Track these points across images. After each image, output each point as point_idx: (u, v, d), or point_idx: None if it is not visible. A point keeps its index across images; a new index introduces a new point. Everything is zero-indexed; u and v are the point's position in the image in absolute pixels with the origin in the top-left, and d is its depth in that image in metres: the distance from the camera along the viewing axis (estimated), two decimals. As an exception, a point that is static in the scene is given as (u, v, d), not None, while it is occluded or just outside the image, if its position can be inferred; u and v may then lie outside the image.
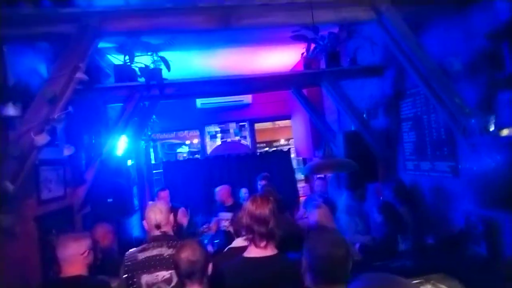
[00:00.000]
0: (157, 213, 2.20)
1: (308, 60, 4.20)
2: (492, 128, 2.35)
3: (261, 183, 4.72)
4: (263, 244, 1.65)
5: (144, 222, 2.28)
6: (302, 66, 5.40)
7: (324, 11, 2.35)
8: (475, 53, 2.43)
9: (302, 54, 3.78)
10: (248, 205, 1.74)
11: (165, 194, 4.33)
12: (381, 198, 3.43)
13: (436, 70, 2.42)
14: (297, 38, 3.40)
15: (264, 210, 1.69)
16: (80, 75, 2.27)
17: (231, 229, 2.52)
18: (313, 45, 3.63)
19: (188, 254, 1.56)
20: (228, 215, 4.34)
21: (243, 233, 1.75)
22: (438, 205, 3.04)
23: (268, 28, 2.53)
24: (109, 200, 3.25)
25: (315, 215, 2.67)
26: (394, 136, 3.66)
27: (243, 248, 1.85)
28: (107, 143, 3.56)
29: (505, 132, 2.27)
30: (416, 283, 2.09)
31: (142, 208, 5.63)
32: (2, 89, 2.21)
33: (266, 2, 2.27)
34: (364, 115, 3.94)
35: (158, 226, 2.18)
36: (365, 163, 3.79)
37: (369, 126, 3.79)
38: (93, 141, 3.66)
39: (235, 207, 4.40)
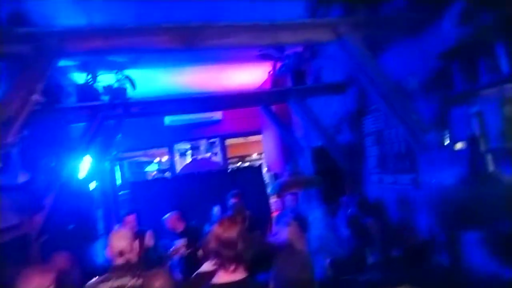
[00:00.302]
0: (120, 240, 2.10)
1: (275, 78, 4.30)
2: (447, 142, 2.50)
3: (231, 201, 4.66)
4: (232, 268, 1.61)
5: (107, 250, 2.17)
6: (270, 84, 5.52)
7: (287, 32, 2.42)
8: (429, 73, 2.59)
9: (269, 72, 3.87)
10: (216, 228, 1.70)
11: (131, 218, 4.15)
12: (349, 212, 3.50)
13: (394, 89, 2.55)
14: (264, 57, 3.49)
15: (232, 232, 1.66)
16: (36, 96, 2.16)
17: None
18: (279, 64, 3.74)
19: (160, 283, 1.51)
20: (182, 241, 4.24)
21: (212, 257, 1.71)
22: (403, 217, 3.14)
23: (233, 48, 2.56)
24: (70, 226, 3.07)
25: (285, 233, 2.67)
26: (358, 151, 3.78)
27: (212, 273, 1.80)
28: (68, 166, 3.40)
29: (458, 146, 2.42)
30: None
31: (108, 233, 5.36)
32: None
33: (230, 24, 2.31)
34: (330, 131, 4.05)
35: (121, 253, 2.08)
36: (333, 177, 3.88)
37: (335, 141, 3.90)
38: (53, 164, 3.47)
39: (188, 231, 4.26)
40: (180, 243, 4.18)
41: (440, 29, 2.46)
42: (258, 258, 1.98)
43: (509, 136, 1.94)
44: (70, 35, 2.26)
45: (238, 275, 1.63)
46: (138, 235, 4.05)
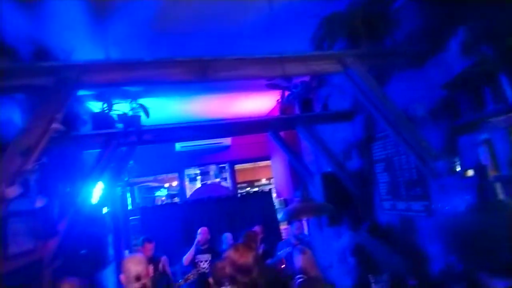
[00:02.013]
0: (137, 264, 2.13)
1: (283, 106, 4.39)
2: (458, 169, 2.50)
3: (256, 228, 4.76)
4: None
5: (122, 276, 2.18)
6: (278, 111, 5.61)
7: (294, 65, 2.52)
8: (435, 102, 2.63)
9: (277, 100, 3.97)
10: (231, 254, 1.70)
11: (151, 246, 4.22)
12: (355, 240, 3.43)
13: (402, 117, 2.59)
14: (271, 87, 3.60)
15: (247, 258, 1.66)
16: (56, 125, 2.27)
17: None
18: (287, 93, 3.83)
19: None
20: (206, 256, 4.40)
21: (226, 283, 1.71)
22: (417, 245, 3.08)
23: (243, 80, 2.66)
24: (82, 252, 3.11)
25: (300, 261, 2.65)
26: (369, 177, 3.78)
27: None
28: (82, 191, 3.47)
29: (469, 173, 2.41)
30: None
31: (118, 258, 5.35)
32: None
33: (240, 57, 2.42)
34: (339, 157, 4.06)
35: (138, 278, 2.10)
36: (344, 203, 3.85)
37: (345, 168, 3.90)
38: (68, 189, 3.56)
39: (211, 249, 4.63)
40: (205, 258, 4.37)
41: (443, 61, 2.53)
42: (272, 286, 1.96)
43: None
44: (88, 68, 2.39)
45: (253, 303, 1.62)
46: (153, 260, 4.11)
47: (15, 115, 2.92)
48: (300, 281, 2.53)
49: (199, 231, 4.70)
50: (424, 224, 3.00)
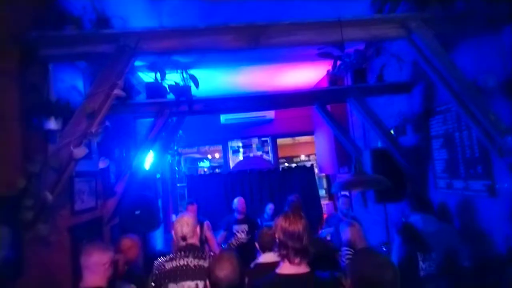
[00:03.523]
0: (184, 225, 2.26)
1: (333, 77, 4.22)
2: (530, 147, 2.26)
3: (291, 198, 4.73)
4: (297, 260, 1.63)
5: (173, 233, 2.34)
6: (327, 83, 5.41)
7: (353, 29, 2.37)
8: (510, 72, 2.36)
9: (328, 71, 3.80)
10: (281, 221, 1.72)
11: (193, 208, 4.42)
12: (403, 219, 3.30)
13: (470, 87, 2.37)
14: (323, 56, 3.43)
15: (298, 226, 1.67)
16: (118, 91, 2.38)
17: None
18: (338, 62, 3.65)
19: (227, 272, 1.60)
20: (244, 227, 4.49)
21: (275, 248, 1.74)
22: (474, 226, 2.91)
23: (297, 46, 2.57)
24: (137, 212, 3.34)
25: (347, 233, 2.63)
26: (424, 154, 3.57)
27: (272, 264, 1.83)
28: (137, 157, 3.68)
29: (545, 151, 2.18)
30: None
31: (166, 221, 5.71)
32: (46, 105, 2.35)
33: (295, 21, 2.32)
34: (392, 132, 3.87)
35: (184, 238, 2.24)
36: (394, 180, 3.68)
37: (397, 143, 3.72)
38: (124, 154, 3.79)
39: (248, 219, 4.64)
40: (242, 228, 4.50)
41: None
42: (319, 257, 1.97)
43: None
44: (145, 35, 2.44)
45: (302, 269, 1.64)
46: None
47: (78, 83, 3.11)
48: (347, 253, 2.52)
49: (235, 200, 4.74)
50: (484, 204, 2.80)
